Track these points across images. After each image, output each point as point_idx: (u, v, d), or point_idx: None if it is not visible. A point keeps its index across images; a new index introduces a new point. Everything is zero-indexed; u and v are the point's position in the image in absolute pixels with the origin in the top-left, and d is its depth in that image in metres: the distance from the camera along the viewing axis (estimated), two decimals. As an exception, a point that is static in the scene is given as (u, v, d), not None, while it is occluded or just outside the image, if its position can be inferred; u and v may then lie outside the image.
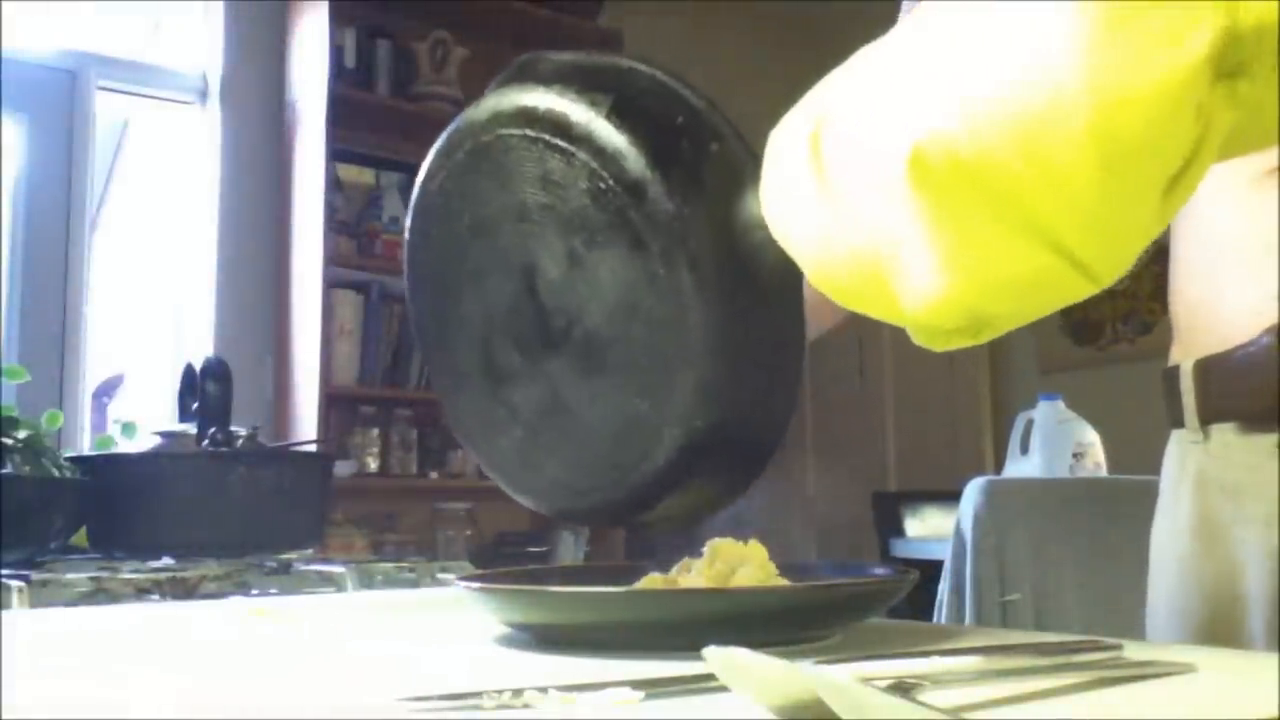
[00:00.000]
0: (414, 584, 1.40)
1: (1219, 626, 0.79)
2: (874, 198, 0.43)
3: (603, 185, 0.54)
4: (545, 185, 0.56)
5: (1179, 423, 0.84)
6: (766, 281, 0.53)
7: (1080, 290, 0.42)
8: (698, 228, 0.52)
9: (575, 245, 0.56)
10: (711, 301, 0.53)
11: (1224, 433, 0.80)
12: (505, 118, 0.57)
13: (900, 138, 0.41)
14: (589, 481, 0.61)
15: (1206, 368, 0.81)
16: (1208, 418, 0.81)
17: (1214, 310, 0.81)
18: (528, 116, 0.56)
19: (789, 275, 0.51)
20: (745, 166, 0.52)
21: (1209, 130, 0.39)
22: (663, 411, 0.55)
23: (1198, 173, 0.40)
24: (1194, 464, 0.83)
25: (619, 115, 0.54)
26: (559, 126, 0.55)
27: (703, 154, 0.54)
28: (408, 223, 0.65)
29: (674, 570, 0.66)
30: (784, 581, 0.63)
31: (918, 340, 0.48)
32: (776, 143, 0.49)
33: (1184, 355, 0.83)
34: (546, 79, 0.56)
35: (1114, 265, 0.41)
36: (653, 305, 0.54)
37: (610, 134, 0.53)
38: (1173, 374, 0.84)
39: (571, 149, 0.54)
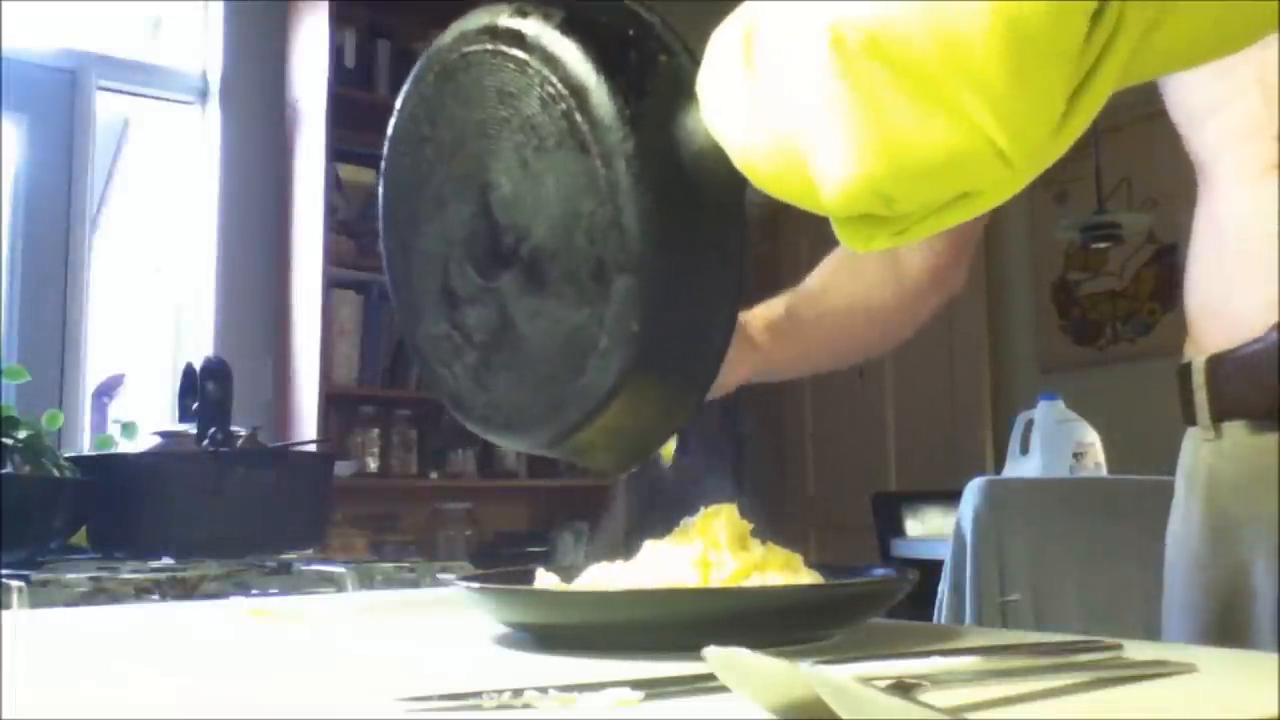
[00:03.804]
0: (414, 584, 1.40)
1: (1228, 625, 0.79)
2: (796, 81, 0.44)
3: (551, 91, 0.55)
4: (502, 98, 0.57)
5: (1192, 420, 0.84)
6: (707, 190, 0.54)
7: (992, 173, 0.42)
8: (639, 129, 0.53)
9: (526, 155, 0.57)
10: (648, 200, 0.53)
11: (1235, 430, 0.80)
12: (470, 36, 0.59)
13: (821, 20, 0.42)
14: (530, 399, 0.60)
15: (1217, 364, 0.81)
16: (1219, 415, 0.81)
17: (1226, 305, 0.81)
18: (490, 32, 0.58)
19: (731, 187, 0.52)
20: (693, 81, 0.52)
21: (1124, 22, 0.40)
22: (599, 319, 0.55)
23: (1112, 70, 0.41)
24: (1206, 462, 0.83)
25: (570, 25, 0.55)
26: (515, 37, 0.56)
27: (650, 64, 0.55)
28: (383, 156, 0.66)
29: (676, 531, 0.65)
30: (811, 576, 0.63)
31: (841, 237, 0.48)
32: (714, 39, 0.50)
33: (1196, 351, 0.83)
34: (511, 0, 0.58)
35: (1024, 148, 0.41)
36: (593, 209, 0.54)
37: (559, 41, 0.55)
38: (1185, 371, 0.84)
39: (525, 57, 0.56)
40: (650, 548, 0.64)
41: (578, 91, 0.54)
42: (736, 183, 0.50)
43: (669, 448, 0.70)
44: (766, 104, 0.46)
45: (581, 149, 0.54)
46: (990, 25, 0.38)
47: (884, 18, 0.40)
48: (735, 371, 0.88)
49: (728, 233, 0.57)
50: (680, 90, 0.53)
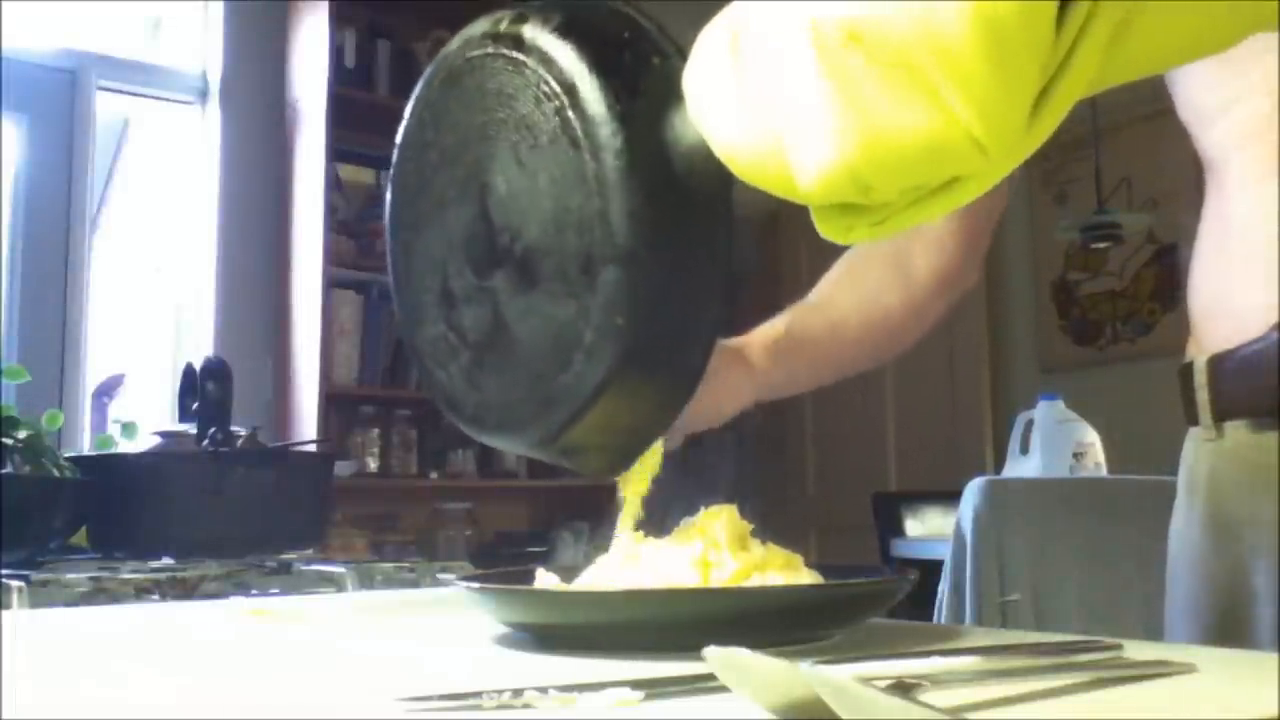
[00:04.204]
0: (414, 584, 1.40)
1: (1229, 625, 0.79)
2: (779, 71, 0.44)
3: (546, 89, 0.56)
4: (500, 100, 0.59)
5: (1194, 420, 0.84)
6: (696, 188, 0.54)
7: (968, 161, 0.42)
8: (628, 125, 0.54)
9: (521, 153, 0.58)
10: (635, 194, 0.54)
11: (1237, 430, 0.80)
12: (474, 41, 0.60)
13: (806, 12, 0.43)
14: (520, 398, 0.61)
15: (1219, 364, 0.81)
16: (1221, 415, 0.81)
17: (1229, 305, 0.81)
18: (493, 37, 0.59)
19: (719, 184, 0.52)
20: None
21: (1094, 17, 0.40)
22: (586, 314, 0.56)
23: (1085, 62, 0.41)
24: (1207, 461, 0.83)
25: (566, 28, 0.56)
26: (514, 40, 0.58)
27: (644, 66, 0.56)
28: (392, 162, 0.67)
29: (676, 530, 0.65)
30: (811, 576, 0.63)
31: (820, 228, 0.48)
32: (702, 36, 0.50)
33: (1199, 351, 0.83)
34: (514, 6, 0.59)
35: (999, 136, 0.41)
36: (582, 204, 0.55)
37: (555, 43, 0.56)
38: (1187, 370, 0.84)
39: (522, 59, 0.57)
40: (623, 540, 0.64)
41: (570, 89, 0.55)
42: (725, 180, 0.51)
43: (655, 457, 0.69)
44: (750, 95, 0.46)
45: (573, 145, 0.55)
46: (967, 13, 0.38)
47: (865, 6, 0.41)
48: (735, 398, 0.88)
49: (716, 229, 0.58)
50: (672, 91, 0.53)
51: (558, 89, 0.55)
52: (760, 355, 0.91)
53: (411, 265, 0.66)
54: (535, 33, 0.57)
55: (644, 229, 0.54)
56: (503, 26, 0.58)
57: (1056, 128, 0.43)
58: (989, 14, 0.38)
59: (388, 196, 0.68)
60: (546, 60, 0.56)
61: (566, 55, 0.55)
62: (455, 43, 0.62)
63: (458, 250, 0.62)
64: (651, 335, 0.57)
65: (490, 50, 0.59)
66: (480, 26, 0.60)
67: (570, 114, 0.55)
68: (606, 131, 0.54)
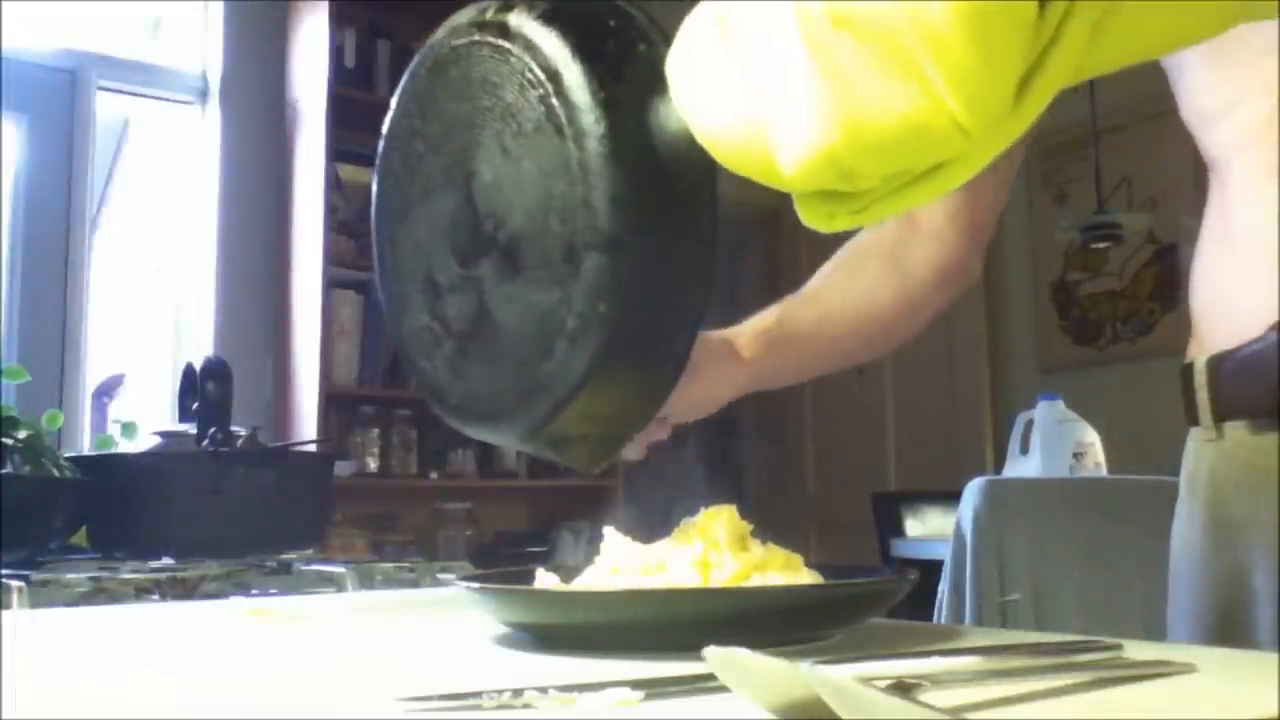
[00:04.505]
0: (414, 584, 1.40)
1: (1230, 625, 0.79)
2: (764, 58, 0.44)
3: (530, 77, 0.56)
4: (486, 88, 0.59)
5: (1194, 420, 0.84)
6: (680, 175, 0.55)
7: (949, 144, 0.42)
8: (612, 112, 0.54)
9: (506, 141, 0.58)
10: (618, 179, 0.54)
11: (1237, 430, 0.80)
12: (460, 30, 0.61)
13: None
14: (504, 387, 0.60)
15: (1219, 364, 0.81)
16: (1221, 415, 0.81)
17: (1231, 306, 0.81)
18: (479, 25, 0.59)
19: (704, 171, 0.53)
20: None
21: (1071, 16, 0.40)
22: (569, 301, 0.56)
23: (1067, 50, 0.41)
24: (1208, 462, 0.83)
25: (551, 16, 0.57)
26: (499, 28, 0.58)
27: (629, 53, 0.56)
28: (378, 152, 0.66)
29: (675, 532, 0.65)
30: (811, 576, 0.63)
31: (802, 215, 0.48)
32: (687, 23, 0.50)
33: (1200, 351, 0.83)
34: None
35: (981, 119, 0.41)
36: (566, 191, 0.55)
37: (539, 30, 0.56)
38: (1188, 370, 0.84)
39: (507, 46, 0.57)
40: (611, 536, 0.64)
41: (554, 76, 0.55)
42: (709, 167, 0.51)
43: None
44: (734, 82, 0.46)
45: (557, 132, 0.55)
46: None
47: None
48: (724, 388, 0.88)
49: (700, 216, 0.57)
50: (657, 78, 0.53)
51: (542, 76, 0.55)
52: (750, 346, 0.91)
53: (397, 255, 0.66)
54: (520, 20, 0.57)
55: (627, 216, 0.54)
56: (488, 14, 0.58)
57: (1038, 116, 0.43)
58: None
59: (374, 187, 0.67)
60: (531, 47, 0.56)
61: (551, 42, 0.55)
62: (441, 31, 0.62)
63: (443, 239, 0.62)
64: (635, 322, 0.56)
65: (476, 38, 0.59)
66: (466, 15, 0.60)
67: (554, 101, 0.55)
68: (590, 118, 0.54)
